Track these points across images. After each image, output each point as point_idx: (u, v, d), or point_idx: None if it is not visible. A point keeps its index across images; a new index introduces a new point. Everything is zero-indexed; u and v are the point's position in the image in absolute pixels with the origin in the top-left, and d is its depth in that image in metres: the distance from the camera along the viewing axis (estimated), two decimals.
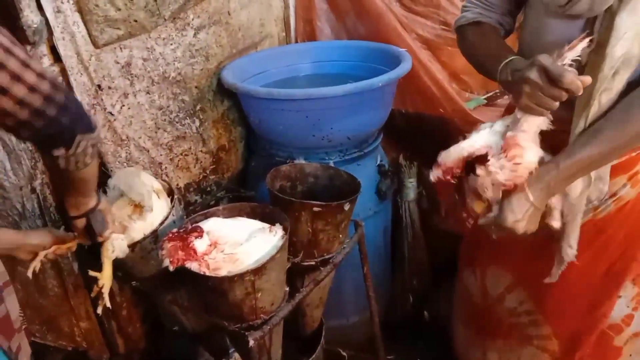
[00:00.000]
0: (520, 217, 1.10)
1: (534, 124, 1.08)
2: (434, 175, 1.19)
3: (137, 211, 1.33)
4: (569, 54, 1.02)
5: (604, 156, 1.07)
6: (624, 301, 1.35)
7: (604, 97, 1.05)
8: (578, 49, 1.03)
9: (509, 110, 1.38)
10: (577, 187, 1.13)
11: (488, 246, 1.49)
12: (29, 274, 1.13)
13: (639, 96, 1.02)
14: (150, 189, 1.33)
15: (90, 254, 1.33)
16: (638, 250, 1.27)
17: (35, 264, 1.14)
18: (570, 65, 1.02)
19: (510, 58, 1.12)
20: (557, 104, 1.01)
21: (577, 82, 0.96)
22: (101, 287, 1.24)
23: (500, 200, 1.12)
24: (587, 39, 1.03)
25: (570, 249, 1.20)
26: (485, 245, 1.52)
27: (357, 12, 2.18)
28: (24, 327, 1.16)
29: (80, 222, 1.18)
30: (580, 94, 0.98)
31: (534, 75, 1.00)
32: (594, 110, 1.07)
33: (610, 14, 1.02)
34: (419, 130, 2.18)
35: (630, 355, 1.41)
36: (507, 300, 1.51)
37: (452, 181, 1.17)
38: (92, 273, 1.26)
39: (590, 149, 1.05)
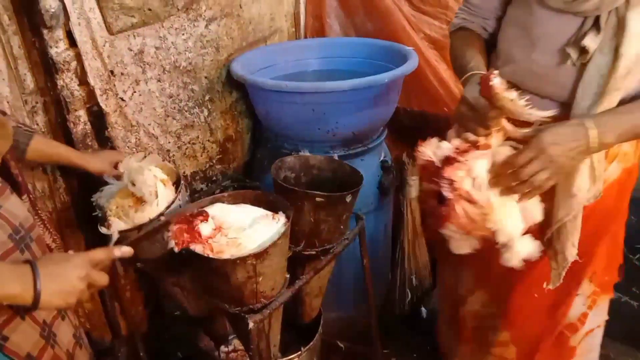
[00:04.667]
0: (559, 141, 1.01)
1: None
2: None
3: (138, 204, 1.36)
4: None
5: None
6: (580, 299, 1.35)
7: (615, 96, 1.06)
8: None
9: None
10: (584, 184, 1.13)
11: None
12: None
13: None
14: (153, 190, 1.35)
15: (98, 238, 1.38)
16: (597, 248, 1.28)
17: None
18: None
19: (469, 74, 1.13)
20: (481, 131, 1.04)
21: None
22: None
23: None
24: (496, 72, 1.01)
25: (573, 248, 1.20)
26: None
27: (366, 10, 2.21)
28: None
29: None
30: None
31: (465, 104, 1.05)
32: (603, 107, 1.06)
33: (618, 14, 1.02)
34: (423, 128, 2.20)
35: (582, 354, 1.44)
36: (468, 303, 1.52)
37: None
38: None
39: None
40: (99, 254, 0.95)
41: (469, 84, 1.10)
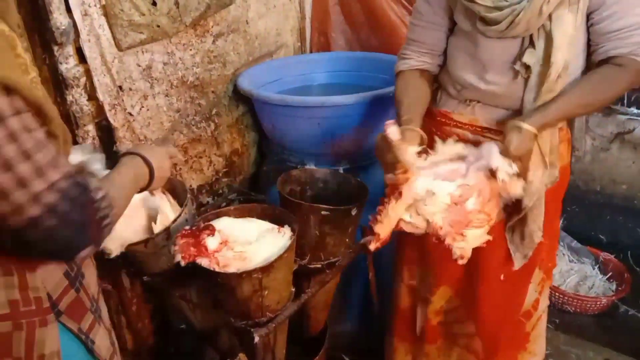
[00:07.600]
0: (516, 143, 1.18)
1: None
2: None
3: None
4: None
5: (571, 110, 1.23)
6: (532, 286, 1.49)
7: (548, 97, 1.22)
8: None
9: None
10: (537, 172, 1.25)
11: (412, 246, 1.59)
12: None
13: (597, 72, 1.22)
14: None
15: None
16: (545, 237, 1.38)
17: None
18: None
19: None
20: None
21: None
22: None
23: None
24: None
25: (539, 231, 1.33)
26: (409, 245, 1.61)
27: (371, 25, 2.23)
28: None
29: None
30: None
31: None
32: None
33: (545, 30, 1.19)
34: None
35: (535, 339, 1.56)
36: (433, 302, 1.58)
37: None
38: None
39: (560, 103, 1.21)
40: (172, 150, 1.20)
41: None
